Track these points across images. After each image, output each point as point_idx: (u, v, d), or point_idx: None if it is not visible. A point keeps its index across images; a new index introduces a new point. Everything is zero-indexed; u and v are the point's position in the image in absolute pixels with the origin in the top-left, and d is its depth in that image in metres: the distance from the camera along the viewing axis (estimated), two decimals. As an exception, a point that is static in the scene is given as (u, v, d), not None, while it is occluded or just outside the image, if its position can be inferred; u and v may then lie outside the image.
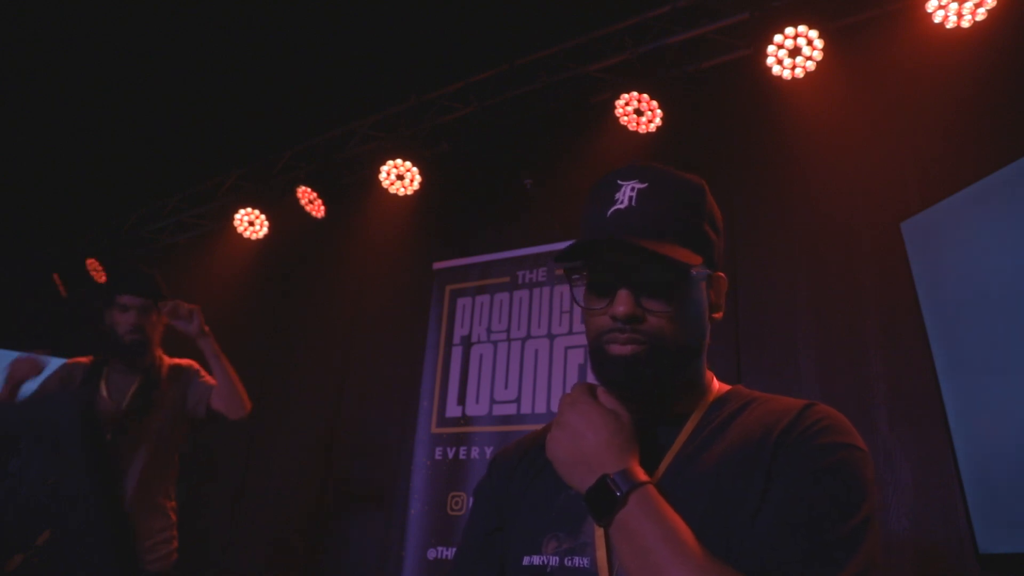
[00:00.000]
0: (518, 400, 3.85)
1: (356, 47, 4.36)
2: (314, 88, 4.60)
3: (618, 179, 1.01)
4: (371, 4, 4.11)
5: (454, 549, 3.73)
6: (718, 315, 1.06)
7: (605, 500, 0.90)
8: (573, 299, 1.04)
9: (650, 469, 0.95)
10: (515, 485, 1.11)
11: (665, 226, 0.97)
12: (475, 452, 3.86)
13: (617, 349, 0.97)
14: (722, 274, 1.06)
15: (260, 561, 4.43)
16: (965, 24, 3.07)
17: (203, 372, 2.86)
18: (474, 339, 4.11)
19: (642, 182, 0.99)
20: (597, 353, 1.00)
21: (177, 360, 2.87)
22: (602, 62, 3.88)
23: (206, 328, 2.76)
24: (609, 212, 0.99)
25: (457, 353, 4.14)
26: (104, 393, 2.64)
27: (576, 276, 1.02)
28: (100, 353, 2.75)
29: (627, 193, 0.99)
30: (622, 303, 0.95)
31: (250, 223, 4.90)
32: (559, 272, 1.13)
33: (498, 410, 3.90)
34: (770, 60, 3.41)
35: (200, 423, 2.83)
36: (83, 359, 2.77)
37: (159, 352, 2.80)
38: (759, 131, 3.73)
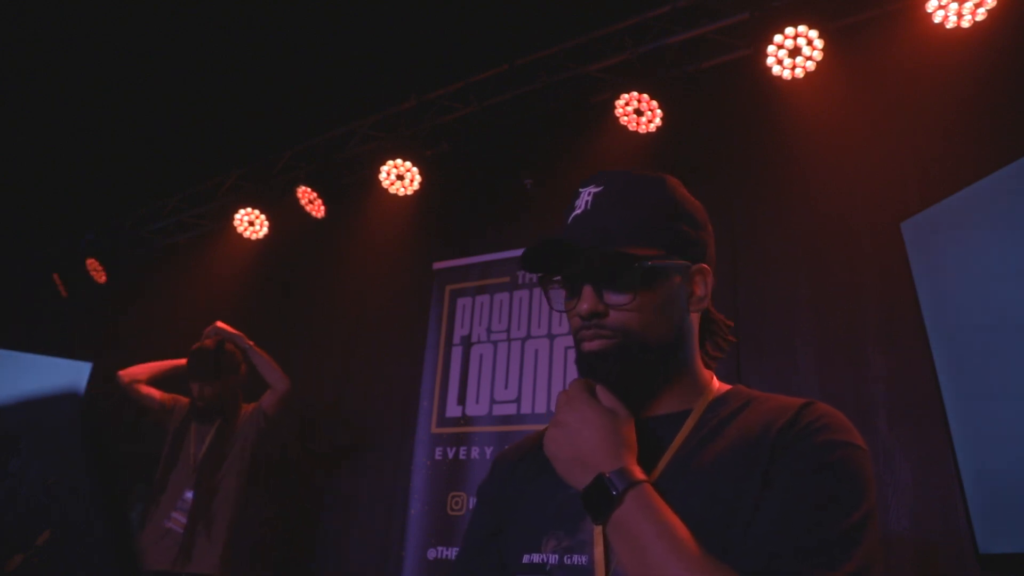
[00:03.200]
0: (518, 400, 3.85)
1: (356, 47, 4.36)
2: (314, 88, 4.60)
3: (581, 187, 1.06)
4: (371, 4, 4.11)
5: (454, 549, 3.74)
6: (702, 306, 1.07)
7: (601, 499, 0.90)
8: (549, 304, 1.10)
9: (649, 467, 0.96)
10: (516, 485, 1.12)
11: (618, 224, 1.00)
12: (475, 452, 3.86)
13: (587, 346, 1.01)
14: (705, 265, 1.06)
15: (260, 561, 4.43)
16: (965, 24, 3.07)
17: (255, 407, 3.54)
18: (474, 339, 4.11)
19: (598, 186, 1.04)
20: (576, 352, 1.05)
21: (252, 404, 3.51)
22: (602, 62, 3.88)
23: (229, 329, 3.54)
24: (570, 218, 1.05)
25: (457, 353, 4.14)
26: (192, 434, 3.41)
27: (548, 282, 1.08)
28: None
29: (584, 198, 1.04)
30: (584, 301, 1.00)
31: (250, 223, 4.90)
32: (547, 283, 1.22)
33: (498, 410, 3.90)
34: (770, 60, 3.41)
35: (276, 429, 3.63)
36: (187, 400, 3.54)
37: (239, 401, 3.51)
38: (759, 131, 3.73)
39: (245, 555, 3.56)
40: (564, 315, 1.02)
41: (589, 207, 1.02)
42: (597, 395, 1.00)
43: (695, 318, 1.08)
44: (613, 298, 1.00)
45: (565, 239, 1.00)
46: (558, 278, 1.06)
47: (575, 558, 0.97)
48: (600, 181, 1.04)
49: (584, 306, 0.99)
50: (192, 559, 3.14)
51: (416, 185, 4.41)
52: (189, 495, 3.24)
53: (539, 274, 1.08)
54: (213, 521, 3.23)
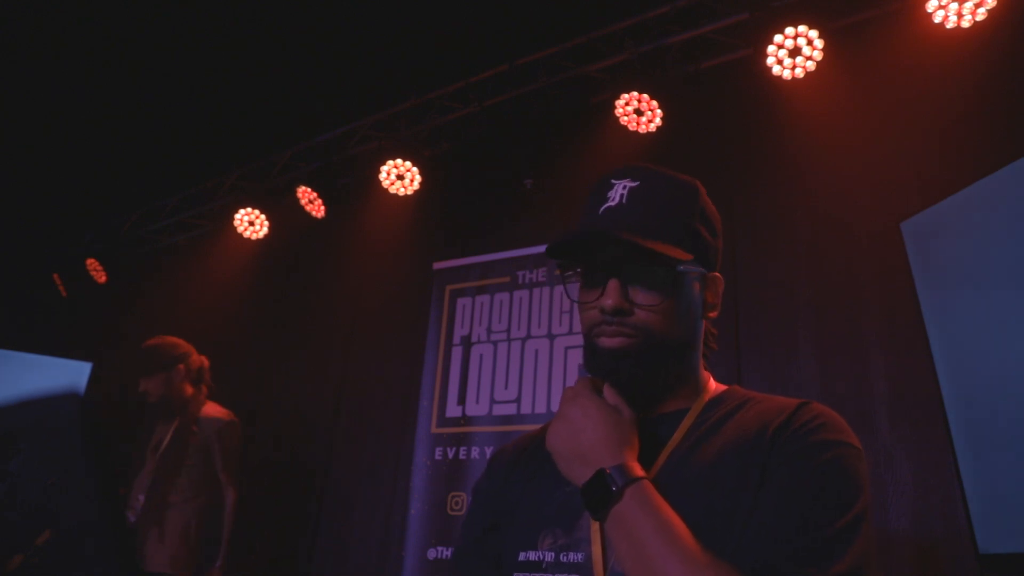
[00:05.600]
0: (518, 400, 3.85)
1: (356, 47, 4.36)
2: (314, 88, 4.60)
3: (612, 178, 1.03)
4: (371, 4, 4.11)
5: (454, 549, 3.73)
6: (713, 314, 1.07)
7: (601, 494, 0.90)
8: (566, 293, 1.07)
9: (646, 464, 0.96)
10: (512, 483, 1.12)
11: (655, 223, 0.99)
12: (475, 452, 3.86)
13: (606, 342, 0.99)
14: (718, 274, 1.07)
15: (259, 561, 4.43)
16: (965, 24, 3.07)
17: (225, 425, 3.39)
18: (474, 339, 4.11)
19: (634, 181, 1.02)
20: (588, 346, 1.02)
21: (215, 412, 3.38)
22: (602, 62, 3.88)
23: None
24: (601, 209, 1.02)
25: (457, 353, 4.14)
26: (156, 434, 3.33)
27: (569, 272, 1.05)
28: None
29: (619, 191, 1.01)
30: (610, 296, 0.97)
31: (250, 223, 4.90)
32: (557, 272, 1.18)
33: (498, 410, 3.90)
34: (770, 60, 3.41)
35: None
36: None
37: (196, 398, 3.37)
38: (759, 131, 3.73)
39: (202, 554, 3.44)
40: (565, 315, 1.00)
41: (624, 201, 1.00)
42: (603, 393, 1.00)
43: (704, 325, 1.09)
44: (640, 296, 0.98)
45: (602, 229, 0.98)
46: (579, 269, 1.04)
47: (572, 556, 0.97)
48: (635, 176, 1.02)
49: (609, 301, 0.97)
50: (144, 560, 3.09)
51: (416, 185, 4.41)
52: (142, 498, 3.18)
53: (560, 262, 1.04)
54: (165, 523, 3.15)
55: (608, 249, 0.99)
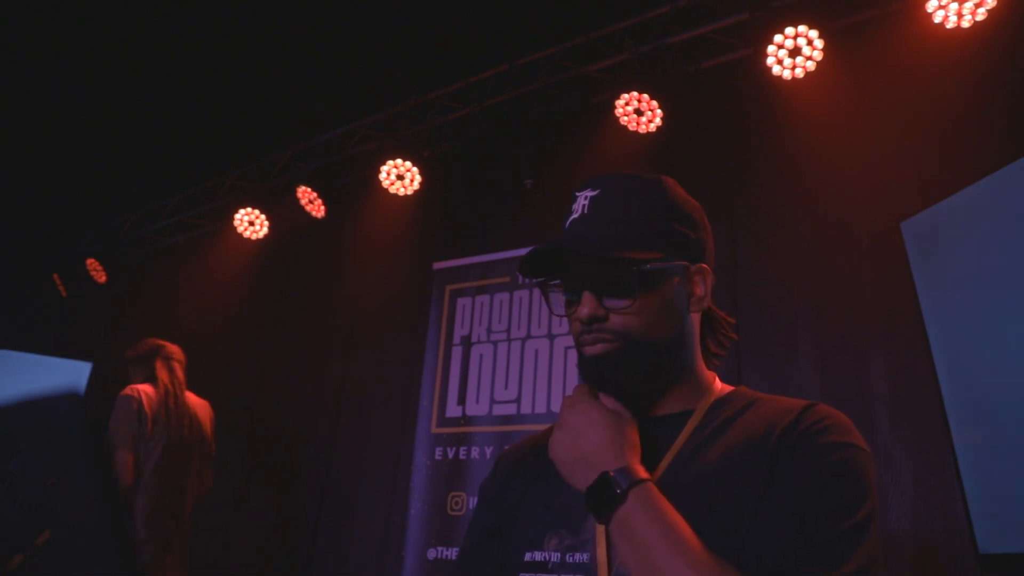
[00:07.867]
0: (518, 400, 3.85)
1: (356, 47, 4.36)
2: (314, 88, 4.60)
3: (576, 191, 1.06)
4: (371, 4, 4.11)
5: (454, 549, 3.74)
6: (705, 305, 1.07)
7: (605, 497, 0.91)
8: (549, 307, 1.09)
9: (651, 467, 0.96)
10: (518, 483, 1.12)
11: (617, 227, 1.00)
12: (475, 452, 3.86)
13: (588, 350, 1.02)
14: (704, 266, 1.06)
15: (260, 561, 4.43)
16: (965, 24, 3.07)
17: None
18: (474, 339, 4.11)
19: (594, 190, 1.04)
20: (578, 355, 1.05)
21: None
22: (602, 62, 3.88)
23: None
24: (567, 223, 1.05)
25: (457, 353, 4.14)
26: None
27: (548, 286, 1.07)
28: None
29: (581, 203, 1.04)
30: (583, 305, 1.00)
31: (250, 223, 4.90)
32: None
33: (498, 410, 3.90)
34: (770, 60, 3.41)
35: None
36: None
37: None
38: (759, 131, 3.73)
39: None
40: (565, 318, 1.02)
41: (586, 211, 1.02)
42: (600, 398, 1.01)
43: (696, 318, 1.08)
44: (613, 302, 1.00)
45: (563, 246, 1.00)
46: (557, 282, 1.06)
47: (577, 556, 0.97)
48: (596, 185, 1.04)
49: (584, 311, 1.00)
50: None
51: (416, 185, 4.41)
52: None
53: (538, 281, 1.08)
54: None
55: (574, 264, 1.02)
